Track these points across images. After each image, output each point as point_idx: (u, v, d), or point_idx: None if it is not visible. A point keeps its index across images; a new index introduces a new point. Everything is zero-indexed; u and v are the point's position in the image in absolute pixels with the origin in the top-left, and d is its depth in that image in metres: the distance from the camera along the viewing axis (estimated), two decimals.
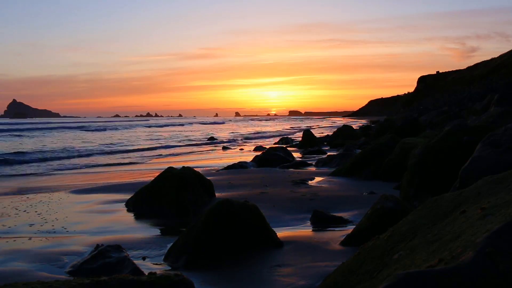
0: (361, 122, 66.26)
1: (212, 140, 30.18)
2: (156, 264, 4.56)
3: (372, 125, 37.58)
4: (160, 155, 19.62)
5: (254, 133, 42.08)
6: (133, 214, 7.00)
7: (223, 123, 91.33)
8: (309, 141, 20.35)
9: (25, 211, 7.36)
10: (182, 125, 72.29)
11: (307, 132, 21.38)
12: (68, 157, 18.71)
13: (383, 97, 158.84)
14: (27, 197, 8.70)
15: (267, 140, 30.54)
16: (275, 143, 24.21)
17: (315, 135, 23.18)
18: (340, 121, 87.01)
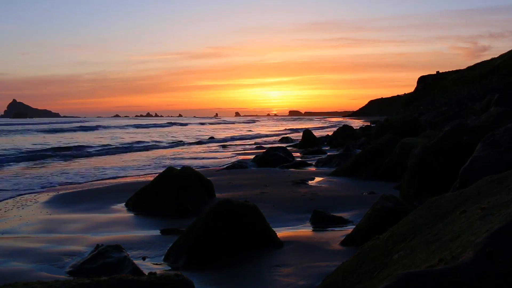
0: (356, 122, 66.08)
1: (211, 140, 30.20)
2: (156, 264, 4.56)
3: (372, 125, 37.56)
4: (161, 155, 19.60)
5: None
6: (133, 214, 7.00)
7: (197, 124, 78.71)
8: (309, 141, 20.35)
9: (24, 210, 7.36)
10: (186, 124, 71.90)
11: (307, 132, 21.36)
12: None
13: (383, 97, 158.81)
14: (27, 196, 8.71)
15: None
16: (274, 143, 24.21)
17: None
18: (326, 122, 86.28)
